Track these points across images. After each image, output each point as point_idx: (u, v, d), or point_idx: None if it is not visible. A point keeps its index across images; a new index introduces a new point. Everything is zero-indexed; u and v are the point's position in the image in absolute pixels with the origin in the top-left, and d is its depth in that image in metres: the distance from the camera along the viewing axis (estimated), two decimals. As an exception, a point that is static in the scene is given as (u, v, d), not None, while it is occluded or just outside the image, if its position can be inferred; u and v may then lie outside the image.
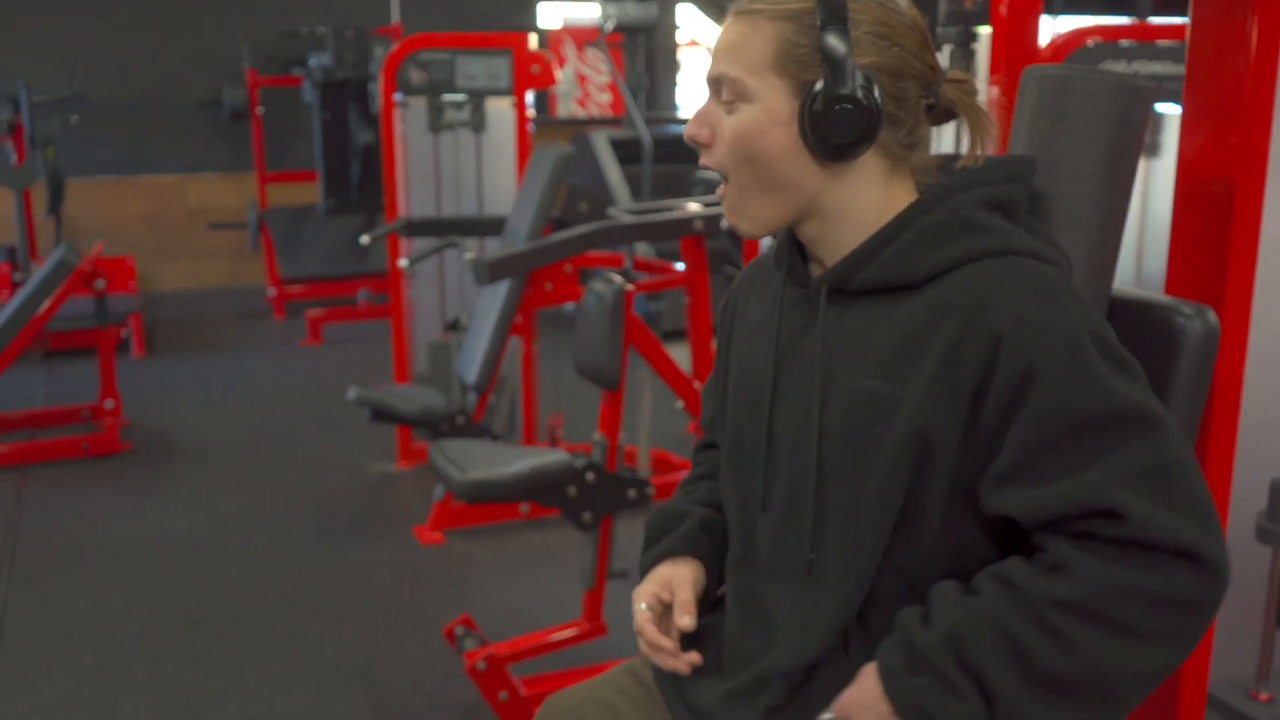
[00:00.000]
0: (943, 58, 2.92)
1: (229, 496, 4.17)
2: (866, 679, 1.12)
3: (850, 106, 1.09)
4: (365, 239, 4.11)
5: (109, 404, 4.63)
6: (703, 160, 1.20)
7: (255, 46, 7.64)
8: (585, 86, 8.71)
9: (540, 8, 8.75)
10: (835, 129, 1.10)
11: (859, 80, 1.10)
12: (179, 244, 8.03)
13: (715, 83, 1.17)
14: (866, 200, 1.16)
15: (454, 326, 4.27)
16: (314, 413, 5.20)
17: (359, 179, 6.76)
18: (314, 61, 6.67)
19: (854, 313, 1.16)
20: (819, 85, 1.10)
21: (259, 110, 7.39)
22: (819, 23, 1.10)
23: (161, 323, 7.00)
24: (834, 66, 1.09)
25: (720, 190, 1.21)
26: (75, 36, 7.57)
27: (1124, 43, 3.57)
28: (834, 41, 1.09)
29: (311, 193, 7.60)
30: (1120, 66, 3.51)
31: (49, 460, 4.50)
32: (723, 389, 1.34)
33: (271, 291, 7.31)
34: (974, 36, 2.98)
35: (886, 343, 1.12)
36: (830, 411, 1.15)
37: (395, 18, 7.58)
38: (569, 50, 8.64)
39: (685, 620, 1.25)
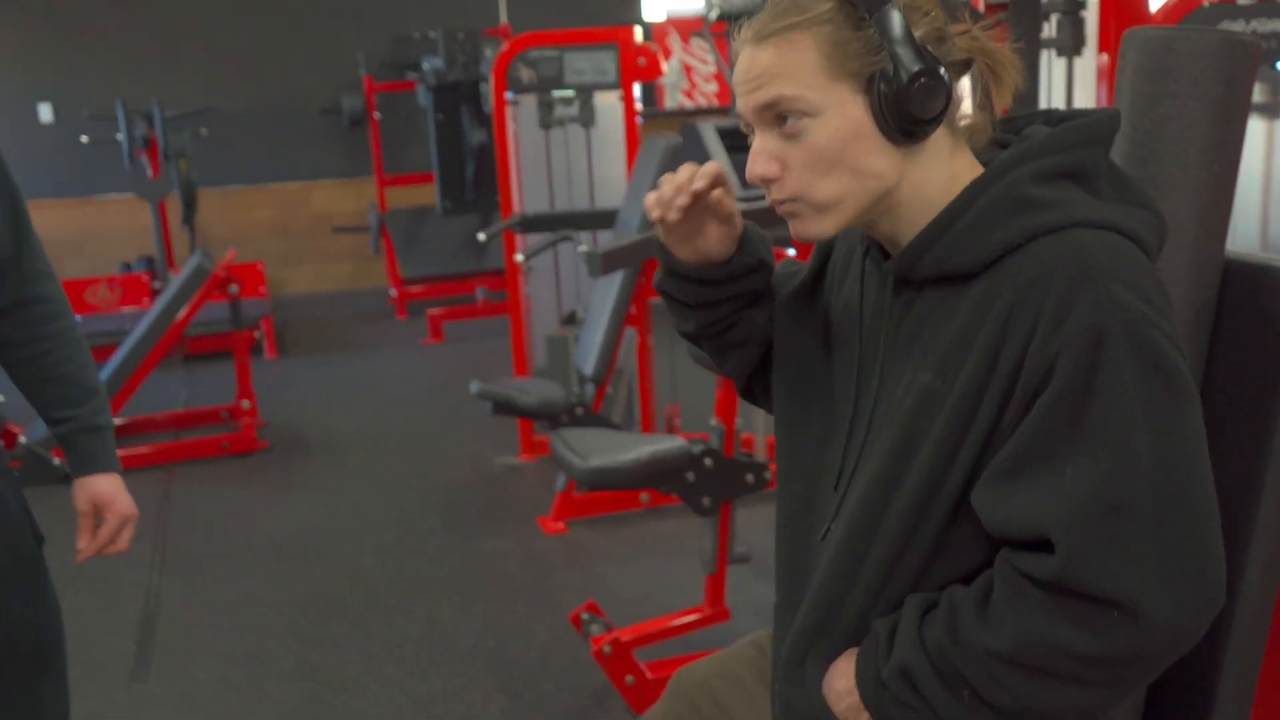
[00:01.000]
0: (1049, 27, 2.87)
1: (362, 490, 4.32)
2: (849, 664, 1.17)
3: (926, 80, 1.07)
4: (482, 236, 4.21)
5: (245, 404, 4.84)
6: (773, 195, 1.15)
7: (370, 53, 7.85)
8: (691, 77, 8.73)
9: (644, 1, 8.80)
10: (920, 105, 1.07)
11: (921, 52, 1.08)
12: (304, 249, 8.31)
13: (765, 112, 1.12)
14: (935, 179, 1.13)
15: (571, 320, 4.34)
16: (438, 408, 5.34)
17: (474, 178, 6.91)
18: (426, 65, 6.83)
19: (922, 301, 1.15)
20: (888, 70, 1.08)
21: (376, 115, 7.60)
22: (865, 12, 1.08)
23: (290, 325, 7.25)
24: (899, 45, 1.07)
25: (787, 209, 1.16)
26: (202, 53, 7.88)
27: (1242, 1, 3.45)
28: (891, 22, 1.07)
29: (428, 194, 7.79)
30: (1239, 26, 3.40)
31: (192, 459, 4.72)
32: (800, 318, 1.32)
33: (393, 292, 7.52)
34: (1082, 4, 2.92)
35: (945, 335, 1.11)
36: (893, 403, 1.15)
37: (503, 18, 7.71)
38: (674, 42, 8.67)
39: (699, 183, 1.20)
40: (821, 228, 1.15)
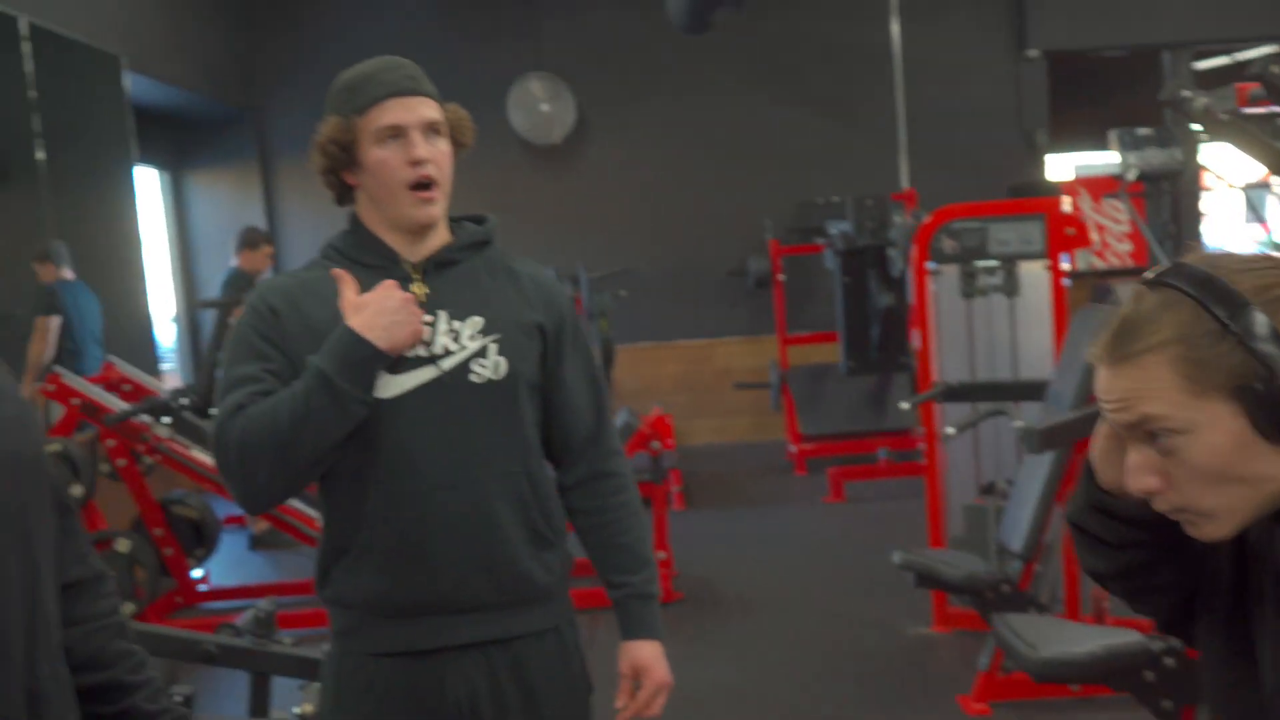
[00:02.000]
0: None
1: (772, 650, 4.37)
2: None
3: None
4: (906, 405, 4.24)
5: (661, 555, 5.06)
6: (1159, 505, 1.10)
7: (776, 218, 8.22)
8: (1103, 236, 8.45)
9: (1049, 159, 8.67)
10: None
11: None
12: (707, 402, 8.68)
13: (1134, 430, 1.07)
14: None
15: (989, 490, 4.25)
16: (844, 570, 5.34)
17: (879, 340, 6.98)
18: (835, 229, 7.05)
19: None
20: (1260, 372, 1.01)
21: (780, 277, 7.90)
22: (1226, 321, 1.01)
23: (694, 475, 7.54)
24: (1266, 344, 1.00)
25: (1177, 516, 1.10)
26: (622, 219, 8.56)
27: None
28: (1255, 324, 1.01)
29: (827, 353, 7.95)
30: None
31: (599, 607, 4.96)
32: None
33: (793, 448, 7.66)
34: None
35: None
36: None
37: (904, 182, 7.86)
38: (1084, 200, 8.45)
39: None
40: (1219, 531, 1.08)
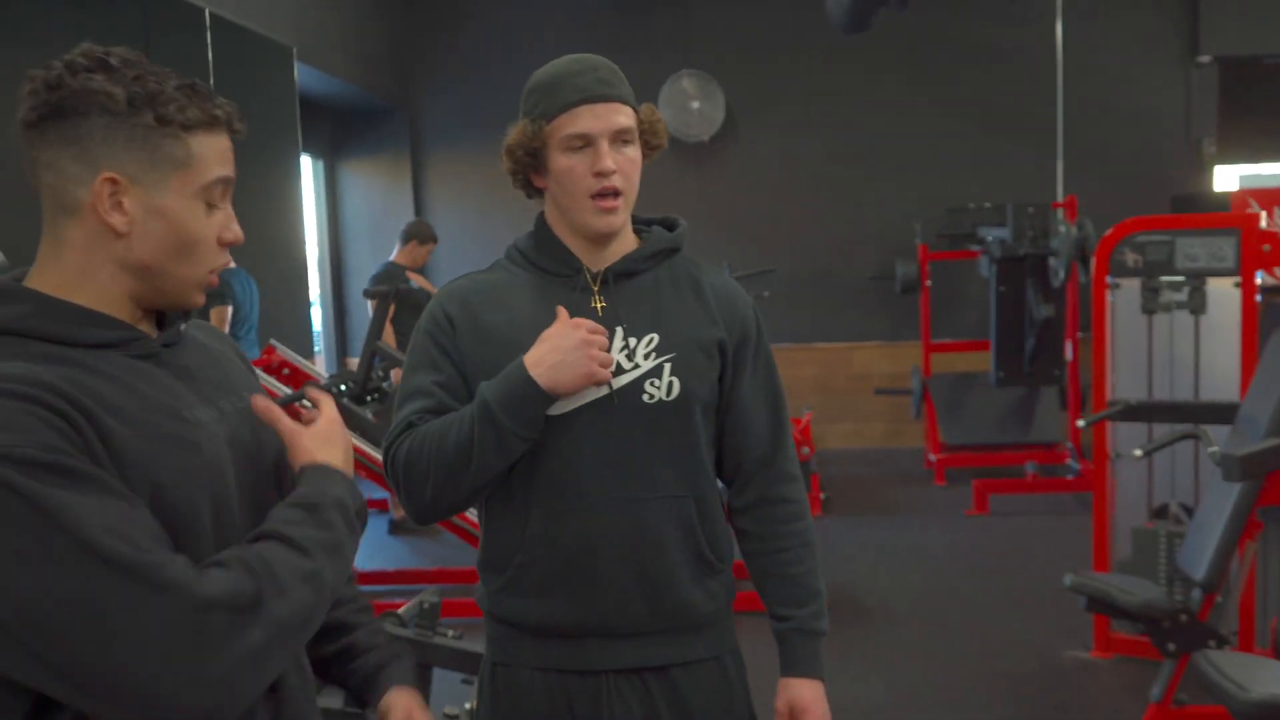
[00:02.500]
0: None
1: (918, 667, 4.27)
2: None
3: None
4: (1082, 423, 4.09)
5: (808, 563, 4.98)
6: None
7: (925, 223, 8.04)
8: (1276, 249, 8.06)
9: (1218, 170, 8.32)
10: None
11: None
12: (844, 406, 8.56)
13: None
14: None
15: (1161, 514, 4.08)
16: (992, 587, 5.20)
17: (1033, 352, 6.78)
18: (991, 236, 6.86)
19: None
20: None
21: (927, 283, 7.73)
22: None
23: (831, 481, 7.44)
24: None
25: None
26: (768, 219, 8.48)
27: None
28: None
29: (972, 361, 7.76)
30: None
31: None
32: None
33: (932, 457, 7.50)
34: None
35: None
36: None
37: (1060, 189, 7.62)
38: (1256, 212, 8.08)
39: None
40: None
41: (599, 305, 1.75)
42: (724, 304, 1.81)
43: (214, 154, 1.25)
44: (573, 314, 1.69)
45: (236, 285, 5.68)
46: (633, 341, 1.73)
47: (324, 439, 1.34)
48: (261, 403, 1.33)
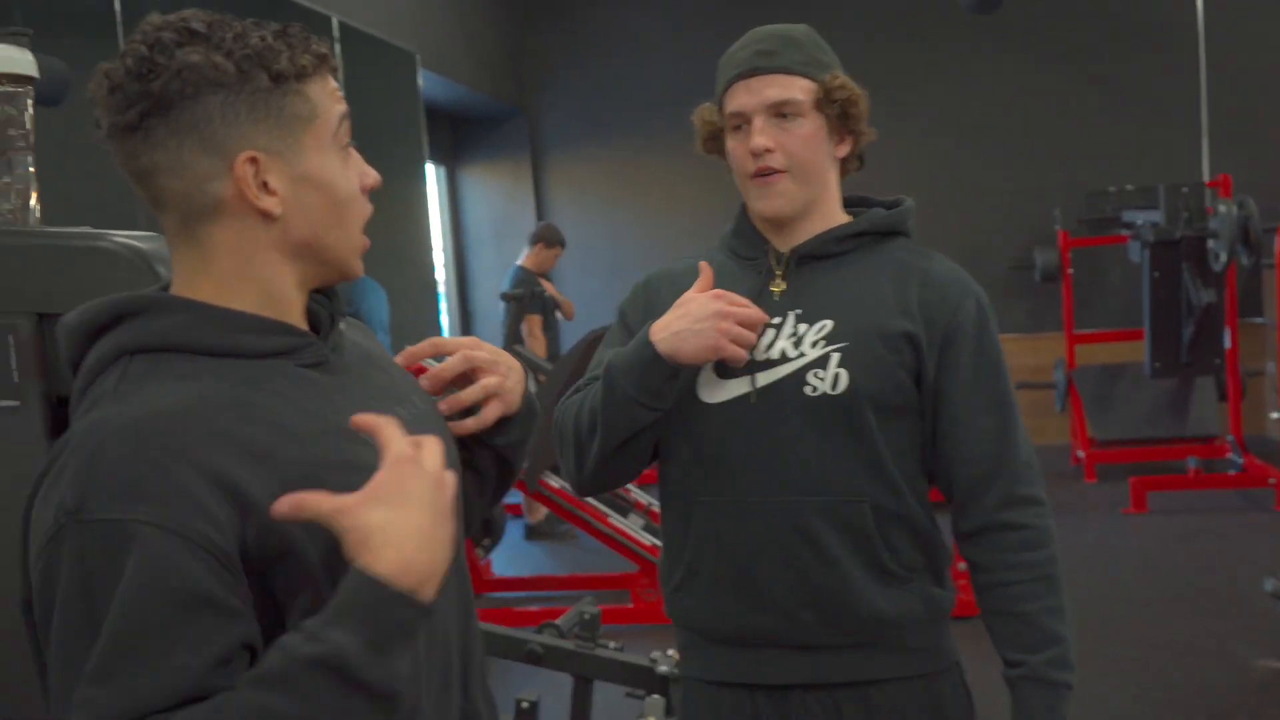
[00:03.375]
0: None
1: (1101, 679, 4.01)
2: None
3: None
4: (1277, 415, 3.80)
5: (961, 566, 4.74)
6: None
7: (1065, 208, 7.70)
8: None
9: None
10: None
11: None
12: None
13: None
14: None
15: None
16: (1164, 590, 4.89)
17: (1191, 340, 6.42)
18: (1142, 220, 6.52)
19: None
20: None
21: (1069, 270, 7.39)
22: None
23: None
24: None
25: None
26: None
27: None
28: None
29: (1117, 352, 7.40)
30: None
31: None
32: None
33: (1080, 453, 7.16)
34: None
35: None
36: None
37: (1205, 169, 7.22)
38: None
39: None
40: None
41: (777, 289, 1.63)
42: (933, 294, 1.61)
43: (329, 95, 1.08)
44: (752, 298, 1.58)
45: (361, 295, 5.66)
46: (803, 328, 1.59)
47: (391, 499, 0.94)
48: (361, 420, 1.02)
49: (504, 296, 5.70)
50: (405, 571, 0.92)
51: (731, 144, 1.63)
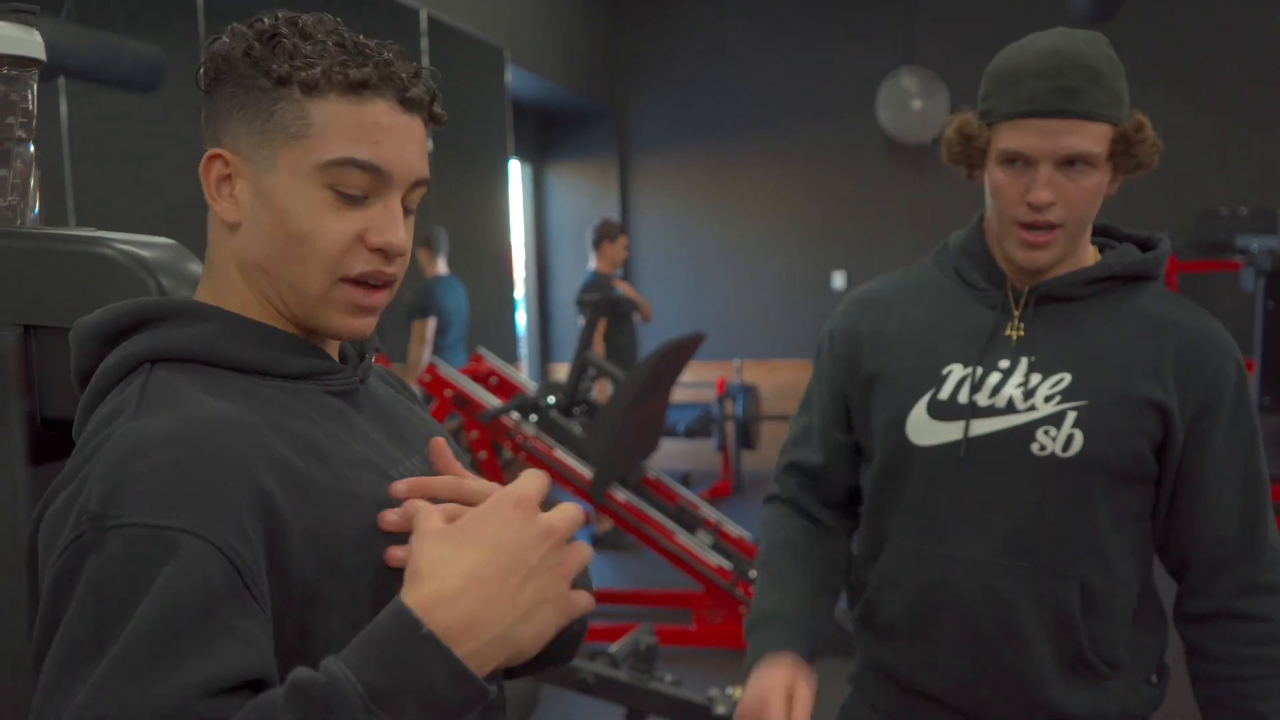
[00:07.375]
0: None
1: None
2: None
3: None
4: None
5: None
6: None
7: (1174, 232, 7.35)
8: None
9: None
10: None
11: None
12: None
13: None
14: None
15: None
16: None
17: (1306, 375, 6.06)
18: (1257, 245, 6.18)
19: None
20: None
21: (1175, 296, 7.05)
22: None
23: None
24: None
25: None
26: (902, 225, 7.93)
27: None
28: None
29: (1226, 383, 7.04)
30: None
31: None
32: None
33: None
34: None
35: None
36: None
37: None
38: None
39: None
40: None
41: (1015, 334, 1.46)
42: (1187, 357, 1.43)
43: (347, 127, 0.93)
44: (983, 337, 1.46)
45: (441, 294, 5.58)
46: (1035, 379, 1.43)
47: (461, 536, 0.84)
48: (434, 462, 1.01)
49: (579, 303, 5.59)
50: (436, 608, 0.79)
51: (1002, 178, 1.44)
